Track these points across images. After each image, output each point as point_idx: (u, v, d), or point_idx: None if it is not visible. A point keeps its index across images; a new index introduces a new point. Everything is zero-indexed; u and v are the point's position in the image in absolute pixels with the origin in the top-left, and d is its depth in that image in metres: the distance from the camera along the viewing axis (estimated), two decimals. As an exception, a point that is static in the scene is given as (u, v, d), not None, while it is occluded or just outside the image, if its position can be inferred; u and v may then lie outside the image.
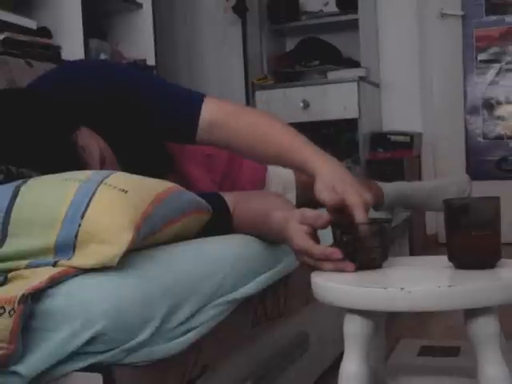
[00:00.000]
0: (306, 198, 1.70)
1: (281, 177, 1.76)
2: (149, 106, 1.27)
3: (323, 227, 1.04)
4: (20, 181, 0.96)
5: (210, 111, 1.24)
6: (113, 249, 0.84)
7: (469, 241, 0.97)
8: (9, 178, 1.02)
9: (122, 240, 0.85)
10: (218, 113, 1.24)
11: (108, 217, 0.87)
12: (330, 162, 1.13)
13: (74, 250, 0.86)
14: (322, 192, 1.06)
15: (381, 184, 2.06)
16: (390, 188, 2.05)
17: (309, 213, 1.06)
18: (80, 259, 0.85)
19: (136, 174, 1.02)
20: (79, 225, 0.86)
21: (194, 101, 1.26)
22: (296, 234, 1.04)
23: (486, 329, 0.91)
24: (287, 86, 3.52)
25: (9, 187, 0.94)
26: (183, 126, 1.26)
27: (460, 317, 0.95)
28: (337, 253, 0.98)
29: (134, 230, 0.87)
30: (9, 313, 0.78)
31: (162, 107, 1.27)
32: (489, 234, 0.98)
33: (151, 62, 2.96)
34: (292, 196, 1.73)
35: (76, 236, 0.86)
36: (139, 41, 2.94)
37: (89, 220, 0.86)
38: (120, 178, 0.95)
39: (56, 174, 0.98)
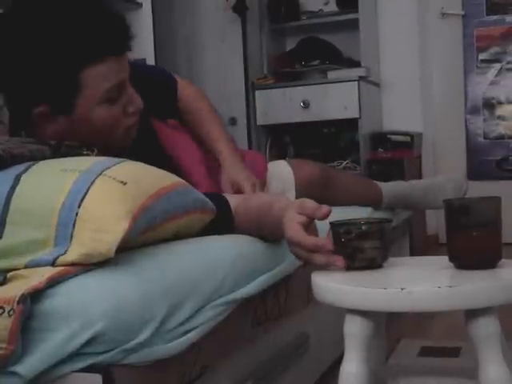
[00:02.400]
0: (306, 196, 1.70)
1: (281, 177, 1.76)
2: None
3: (321, 219, 1.02)
4: (21, 169, 0.97)
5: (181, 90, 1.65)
6: (109, 237, 0.84)
7: (469, 241, 0.97)
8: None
9: (118, 228, 0.85)
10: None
11: (105, 206, 0.87)
12: (232, 155, 1.61)
13: (71, 239, 0.87)
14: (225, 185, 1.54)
15: (380, 184, 2.06)
16: (388, 188, 2.05)
17: (309, 203, 1.04)
18: (77, 248, 0.85)
19: None
20: (76, 214, 0.87)
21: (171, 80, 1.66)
22: (290, 224, 1.02)
23: (486, 329, 0.91)
24: (287, 85, 3.52)
25: (10, 175, 0.95)
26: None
27: (460, 317, 0.95)
28: (329, 244, 0.97)
29: (131, 220, 0.87)
30: (8, 313, 0.78)
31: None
32: (490, 233, 0.97)
33: (151, 61, 2.96)
34: (292, 194, 1.73)
35: (73, 225, 0.87)
36: (139, 40, 2.91)
37: (86, 209, 0.87)
38: (122, 170, 0.96)
39: (56, 164, 0.98)
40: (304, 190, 1.73)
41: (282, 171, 1.77)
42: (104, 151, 1.17)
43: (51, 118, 1.18)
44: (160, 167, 1.05)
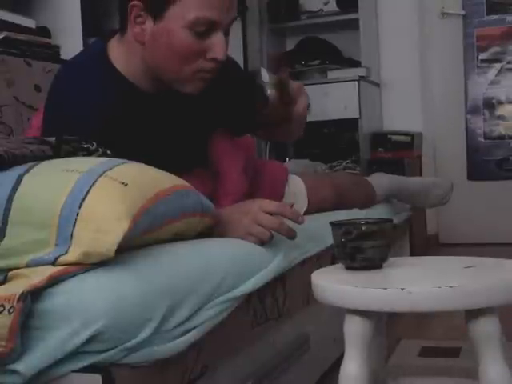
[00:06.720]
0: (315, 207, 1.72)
1: (294, 197, 1.74)
2: None
3: (294, 220, 1.18)
4: (23, 169, 0.97)
5: None
6: (109, 237, 0.84)
7: None
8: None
9: (118, 229, 0.85)
10: None
11: (105, 207, 0.87)
12: None
13: (71, 239, 0.87)
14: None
15: (376, 180, 2.07)
16: (384, 183, 2.07)
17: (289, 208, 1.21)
18: (78, 248, 0.85)
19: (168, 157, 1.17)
20: (77, 214, 0.87)
21: None
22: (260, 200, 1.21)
23: (486, 329, 0.91)
24: (287, 85, 3.51)
25: (12, 175, 0.95)
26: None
27: (461, 317, 0.95)
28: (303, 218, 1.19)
29: (131, 221, 0.87)
30: (8, 310, 0.78)
31: None
32: None
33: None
34: (303, 202, 1.73)
35: (74, 225, 0.87)
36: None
37: (86, 209, 0.87)
38: (123, 171, 0.96)
39: (58, 165, 0.99)
40: (314, 210, 1.73)
41: (296, 193, 1.76)
42: (170, 86, 1.29)
43: (141, 17, 1.23)
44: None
